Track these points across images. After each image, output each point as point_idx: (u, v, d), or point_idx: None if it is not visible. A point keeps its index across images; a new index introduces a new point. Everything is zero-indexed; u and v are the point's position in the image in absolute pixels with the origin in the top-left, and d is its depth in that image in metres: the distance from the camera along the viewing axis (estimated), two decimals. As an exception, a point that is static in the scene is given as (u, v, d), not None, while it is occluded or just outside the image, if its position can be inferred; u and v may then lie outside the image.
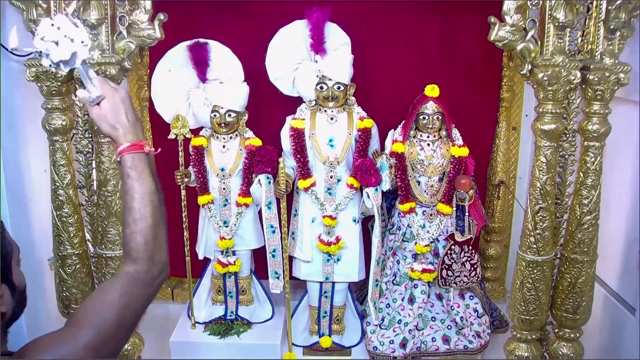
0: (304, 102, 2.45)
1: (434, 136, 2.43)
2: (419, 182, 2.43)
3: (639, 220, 2.27)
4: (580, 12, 1.98)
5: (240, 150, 2.47)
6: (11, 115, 2.23)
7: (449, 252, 2.43)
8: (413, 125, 2.42)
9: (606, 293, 2.47)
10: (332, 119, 2.41)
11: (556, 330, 2.31)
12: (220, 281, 2.64)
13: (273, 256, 2.43)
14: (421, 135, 2.43)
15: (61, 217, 2.16)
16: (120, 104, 1.18)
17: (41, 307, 2.44)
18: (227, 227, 2.51)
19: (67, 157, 2.13)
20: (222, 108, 2.40)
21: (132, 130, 1.18)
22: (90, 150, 2.20)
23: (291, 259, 2.55)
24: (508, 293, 2.86)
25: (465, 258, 2.44)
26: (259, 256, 2.59)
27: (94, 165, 2.18)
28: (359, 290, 2.81)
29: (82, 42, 1.18)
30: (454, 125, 2.43)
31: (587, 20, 2.02)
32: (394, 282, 2.56)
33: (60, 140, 2.11)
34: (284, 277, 2.47)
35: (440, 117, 2.39)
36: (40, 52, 1.20)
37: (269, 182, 2.36)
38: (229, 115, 2.42)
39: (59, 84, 2.03)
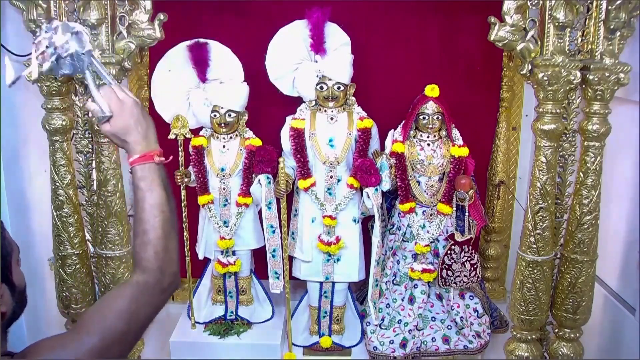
0: (304, 102, 2.45)
1: (434, 136, 2.43)
2: (419, 182, 2.43)
3: (639, 220, 2.27)
4: (580, 12, 1.98)
5: (240, 150, 2.47)
6: (11, 116, 2.22)
7: (449, 252, 2.43)
8: (413, 125, 2.43)
9: (606, 293, 2.47)
10: (332, 119, 2.41)
11: (556, 330, 2.31)
12: (220, 281, 2.64)
13: (273, 256, 2.43)
14: (421, 135, 2.43)
15: (61, 217, 2.16)
16: (129, 117, 1.16)
17: (41, 307, 2.43)
18: (227, 227, 2.51)
19: (67, 157, 2.13)
20: (222, 108, 2.40)
21: (143, 141, 1.16)
22: (90, 150, 2.20)
23: (291, 259, 2.55)
24: (508, 293, 2.86)
25: (465, 258, 2.44)
26: (259, 256, 2.60)
27: (94, 165, 2.18)
28: (359, 290, 2.81)
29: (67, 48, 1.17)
30: (454, 125, 2.43)
31: (587, 20, 2.02)
32: (394, 282, 2.56)
33: (60, 140, 2.11)
34: (284, 277, 2.47)
35: (440, 117, 2.39)
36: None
37: (269, 182, 2.36)
38: (229, 115, 2.42)
39: (59, 84, 2.03)
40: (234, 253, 2.56)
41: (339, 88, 2.36)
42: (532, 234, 2.13)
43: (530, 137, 2.39)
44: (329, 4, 2.33)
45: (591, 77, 1.99)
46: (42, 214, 2.37)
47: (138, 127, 1.16)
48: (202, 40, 2.39)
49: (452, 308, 2.52)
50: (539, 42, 1.99)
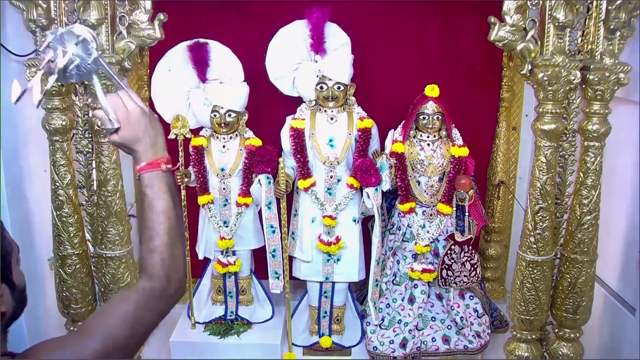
0: (304, 102, 2.45)
1: (434, 136, 2.43)
2: (419, 182, 2.43)
3: (639, 220, 2.27)
4: (580, 12, 1.98)
5: (240, 150, 2.47)
6: (11, 115, 2.22)
7: (449, 252, 2.43)
8: (413, 125, 2.43)
9: (606, 293, 2.46)
10: (332, 119, 2.41)
11: (556, 330, 2.31)
12: (220, 281, 2.64)
13: (273, 256, 2.43)
14: (421, 135, 2.43)
15: (61, 217, 2.16)
16: (137, 128, 1.15)
17: (41, 307, 2.43)
18: (227, 227, 2.51)
19: (67, 157, 2.13)
20: (222, 108, 2.40)
21: (151, 150, 1.16)
22: (90, 150, 2.20)
23: (291, 259, 2.55)
24: (508, 293, 2.86)
25: (465, 258, 2.44)
26: (259, 256, 2.60)
27: (94, 165, 2.18)
28: (359, 290, 2.81)
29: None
30: (454, 125, 2.43)
31: (587, 20, 2.02)
32: (394, 282, 2.56)
33: (60, 140, 2.11)
34: (284, 277, 2.47)
35: (440, 117, 2.39)
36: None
37: (269, 182, 2.36)
38: (229, 115, 2.42)
39: (59, 84, 2.03)
40: (234, 253, 2.56)
41: (339, 88, 2.36)
42: (532, 234, 2.12)
43: (530, 137, 2.39)
44: (329, 4, 2.33)
45: (591, 77, 1.99)
46: (42, 214, 2.37)
47: (146, 137, 1.16)
48: (202, 40, 2.39)
49: (452, 308, 2.52)
50: (539, 42, 1.99)
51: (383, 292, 2.56)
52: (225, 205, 2.50)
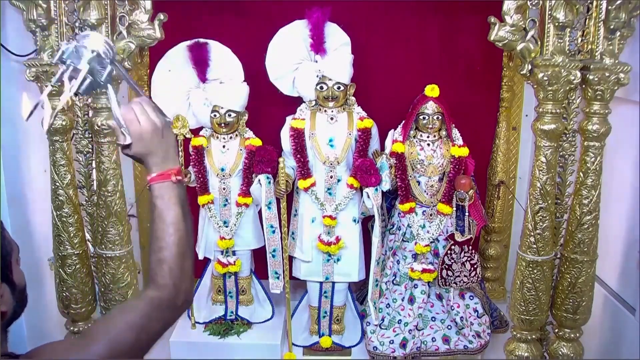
0: (304, 102, 2.45)
1: (434, 136, 2.43)
2: (419, 182, 2.43)
3: (639, 220, 2.27)
4: (580, 12, 1.97)
5: (240, 150, 2.47)
6: (11, 115, 2.22)
7: (449, 252, 2.43)
8: (413, 125, 2.43)
9: (606, 293, 2.46)
10: (332, 119, 2.41)
11: (556, 330, 2.31)
12: (220, 281, 2.64)
13: (273, 256, 2.43)
14: (421, 135, 2.43)
15: (61, 217, 2.16)
16: (149, 143, 1.15)
17: (41, 307, 2.43)
18: (227, 227, 2.51)
19: (67, 157, 2.13)
20: (222, 108, 2.40)
21: (162, 161, 1.16)
22: (90, 150, 2.20)
23: (291, 259, 2.55)
24: (508, 293, 2.86)
25: (465, 258, 2.44)
26: (259, 256, 2.60)
27: (94, 165, 2.18)
28: (359, 290, 2.81)
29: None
30: (454, 125, 2.43)
31: (587, 20, 2.02)
32: (394, 282, 2.55)
33: (60, 140, 2.11)
34: (284, 277, 2.47)
35: (440, 117, 2.39)
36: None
37: (269, 182, 2.36)
38: (229, 115, 2.42)
39: (59, 84, 2.03)
40: (234, 253, 2.56)
41: (339, 88, 2.36)
42: (532, 234, 2.12)
43: (530, 137, 2.39)
44: (329, 4, 2.33)
45: (591, 77, 1.99)
46: (42, 214, 2.37)
47: (157, 151, 1.16)
48: (202, 40, 2.39)
49: (452, 308, 2.52)
50: (539, 42, 1.99)
51: (383, 292, 2.56)
52: (225, 205, 2.50)
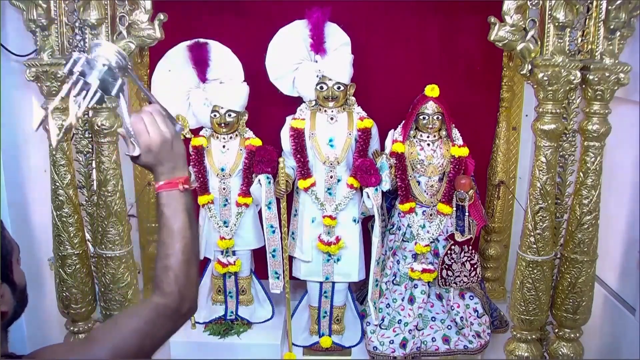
0: (304, 102, 2.45)
1: (434, 136, 2.43)
2: (419, 182, 2.43)
3: (639, 220, 2.27)
4: (580, 12, 1.97)
5: (240, 150, 2.47)
6: (11, 115, 2.22)
7: (449, 252, 2.43)
8: (413, 125, 2.43)
9: (606, 293, 2.46)
10: (332, 119, 2.42)
11: (556, 330, 2.31)
12: (220, 281, 2.64)
13: (273, 256, 2.43)
14: (421, 135, 2.43)
15: (61, 217, 2.15)
16: (157, 154, 1.15)
17: (41, 307, 2.43)
18: (227, 227, 2.51)
19: (67, 157, 2.13)
20: (222, 108, 2.40)
21: (170, 170, 1.17)
22: (90, 150, 2.19)
23: (291, 259, 2.55)
24: (508, 293, 2.86)
25: (465, 258, 2.44)
26: (259, 256, 2.60)
27: (94, 165, 2.18)
28: (359, 290, 2.81)
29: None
30: (454, 125, 2.43)
31: (587, 20, 2.02)
32: (394, 282, 2.55)
33: (60, 141, 2.10)
34: (284, 277, 2.47)
35: (440, 117, 2.39)
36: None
37: (269, 182, 2.36)
38: (229, 115, 2.42)
39: (59, 84, 2.03)
40: (234, 253, 2.56)
41: (339, 88, 2.36)
42: (532, 234, 2.12)
43: (530, 137, 2.39)
44: (329, 4, 2.33)
45: (591, 77, 1.99)
46: (42, 214, 2.37)
47: (166, 162, 1.17)
48: (202, 40, 2.39)
49: (452, 308, 2.52)
50: (539, 42, 1.99)
51: (383, 292, 2.56)
52: (225, 205, 2.50)
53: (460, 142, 2.41)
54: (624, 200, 2.35)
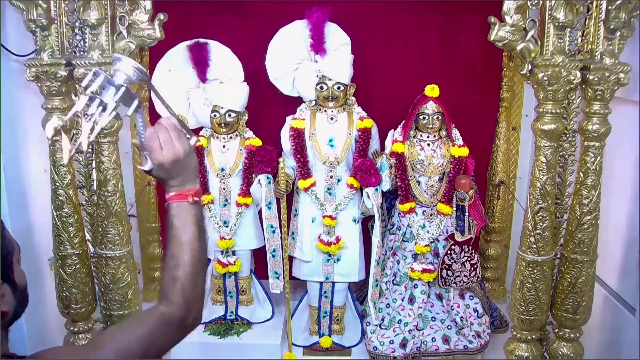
0: (304, 102, 2.45)
1: (434, 136, 2.43)
2: (419, 182, 2.43)
3: (639, 220, 2.27)
4: (580, 12, 1.98)
5: (240, 150, 2.47)
6: (11, 115, 2.22)
7: (449, 252, 2.43)
8: (413, 125, 2.43)
9: (606, 293, 2.47)
10: (332, 119, 2.42)
11: (556, 330, 2.31)
12: (220, 281, 2.64)
13: (273, 256, 2.43)
14: (421, 135, 2.43)
15: (61, 217, 2.15)
16: (169, 169, 1.16)
17: (41, 307, 2.43)
18: (227, 227, 2.51)
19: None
20: (222, 108, 2.40)
21: (181, 183, 1.18)
22: (90, 150, 2.19)
23: (291, 259, 2.55)
24: (508, 293, 2.86)
25: (465, 258, 2.44)
26: (259, 256, 2.60)
27: (94, 165, 2.18)
28: (359, 290, 2.81)
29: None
30: (454, 125, 2.43)
31: (587, 20, 2.02)
32: (394, 282, 2.55)
33: (60, 140, 2.10)
34: (284, 277, 2.47)
35: (440, 117, 2.39)
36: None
37: (269, 182, 2.36)
38: (229, 115, 2.42)
39: (59, 84, 2.03)
40: (234, 253, 2.56)
41: (339, 88, 2.36)
42: (532, 234, 2.12)
43: (530, 137, 2.39)
44: (329, 4, 2.33)
45: (591, 77, 1.99)
46: (42, 214, 2.37)
47: (177, 176, 1.18)
48: (202, 40, 2.39)
49: (452, 308, 2.52)
50: (539, 42, 1.99)
51: (383, 292, 2.56)
52: (225, 205, 2.50)
53: (460, 142, 2.41)
54: (623, 200, 2.35)
